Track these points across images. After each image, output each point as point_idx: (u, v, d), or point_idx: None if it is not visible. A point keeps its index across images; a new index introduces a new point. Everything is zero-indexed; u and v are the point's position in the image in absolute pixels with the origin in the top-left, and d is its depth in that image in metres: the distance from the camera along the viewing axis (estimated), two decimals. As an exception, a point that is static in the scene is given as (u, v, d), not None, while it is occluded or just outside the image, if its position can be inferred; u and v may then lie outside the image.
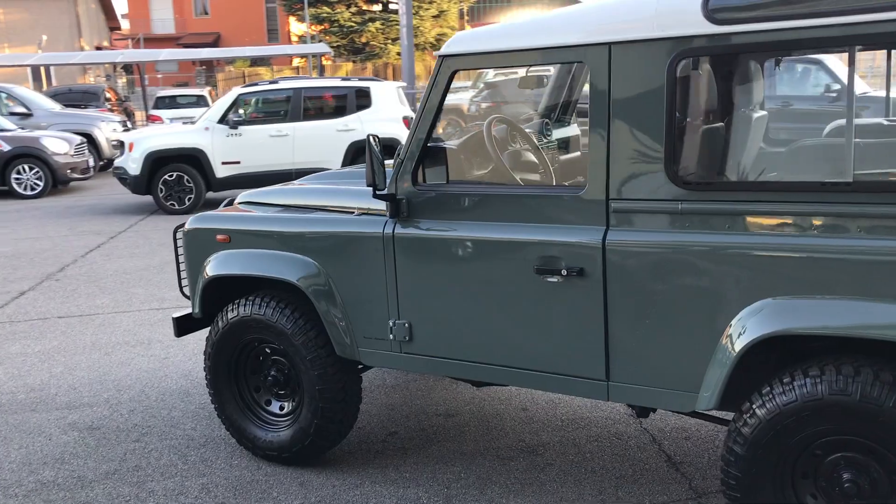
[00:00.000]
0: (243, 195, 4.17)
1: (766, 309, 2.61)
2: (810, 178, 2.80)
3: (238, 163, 11.17)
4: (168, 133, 11.54)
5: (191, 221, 3.94)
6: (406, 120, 11.51)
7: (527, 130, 4.06)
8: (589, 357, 2.99)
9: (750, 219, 2.66)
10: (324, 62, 36.57)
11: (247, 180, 11.28)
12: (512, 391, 4.52)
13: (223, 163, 11.13)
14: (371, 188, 3.23)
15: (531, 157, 3.91)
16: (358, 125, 11.30)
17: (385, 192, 3.27)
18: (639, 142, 2.82)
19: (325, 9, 39.35)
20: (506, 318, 3.13)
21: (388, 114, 11.45)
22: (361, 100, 11.44)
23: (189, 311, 4.09)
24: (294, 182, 4.29)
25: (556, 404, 4.35)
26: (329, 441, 3.68)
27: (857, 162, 2.81)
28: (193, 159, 11.10)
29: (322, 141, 11.28)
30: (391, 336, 3.41)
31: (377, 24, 40.58)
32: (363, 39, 41.00)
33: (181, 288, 4.22)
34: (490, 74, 20.95)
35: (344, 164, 11.32)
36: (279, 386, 3.79)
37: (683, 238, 2.75)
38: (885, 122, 3.91)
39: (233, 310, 3.74)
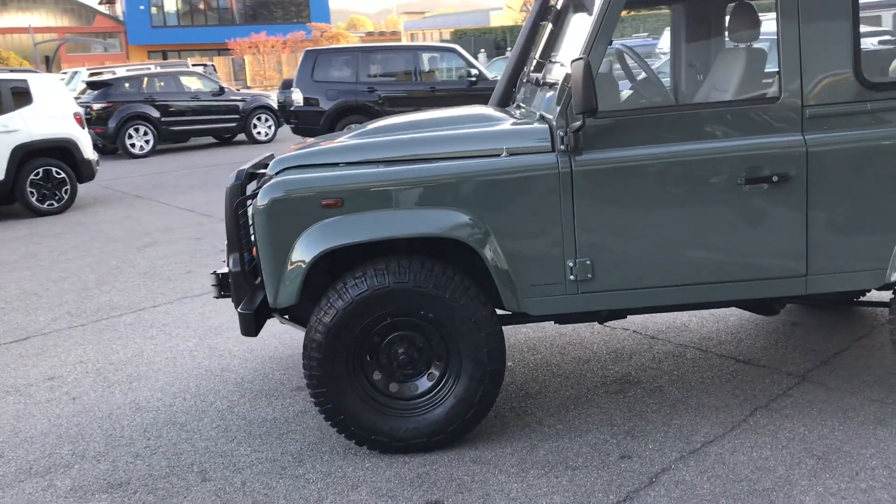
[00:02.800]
0: (282, 161, 3.47)
1: None
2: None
3: None
4: None
5: (270, 190, 3.20)
6: (78, 117, 9.97)
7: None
8: (790, 256, 3.25)
9: None
10: None
11: None
12: (534, 337, 4.49)
13: None
14: (576, 113, 3.04)
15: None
16: (21, 125, 9.46)
17: (577, 124, 3.11)
18: (829, 53, 3.15)
19: None
20: (706, 233, 3.23)
21: (56, 110, 9.78)
22: (19, 96, 9.58)
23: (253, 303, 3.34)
24: (341, 137, 3.68)
25: (579, 344, 4.44)
26: (489, 407, 3.34)
27: None
28: None
29: (-23, 146, 9.22)
30: (571, 277, 3.24)
31: None
32: None
33: (245, 276, 3.39)
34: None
35: (9, 172, 9.39)
36: (412, 365, 3.32)
37: (875, 132, 3.16)
38: None
39: (357, 284, 3.17)
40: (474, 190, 3.19)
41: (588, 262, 3.24)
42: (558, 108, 3.20)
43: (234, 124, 16.72)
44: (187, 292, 5.94)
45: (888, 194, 3.21)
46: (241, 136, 17.17)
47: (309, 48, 14.20)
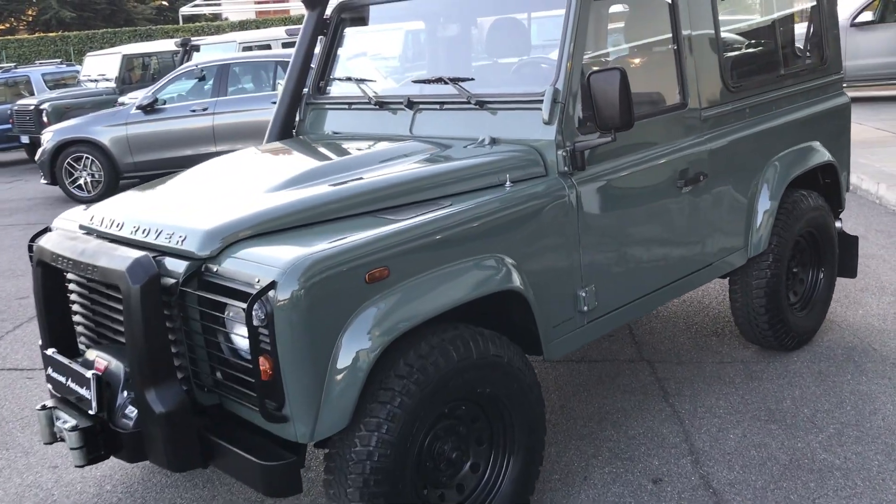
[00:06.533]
0: (215, 232, 2.44)
1: (787, 157, 3.83)
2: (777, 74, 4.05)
3: None
4: None
5: (292, 274, 2.23)
6: None
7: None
8: (707, 248, 3.58)
9: (755, 106, 3.79)
10: None
11: None
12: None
13: None
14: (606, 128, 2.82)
15: None
16: None
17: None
18: (707, 62, 3.53)
19: None
20: (668, 236, 3.37)
21: None
22: None
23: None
24: (302, 194, 2.65)
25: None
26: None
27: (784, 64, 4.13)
28: None
29: None
30: (584, 307, 3.01)
31: None
32: None
33: (272, 409, 2.25)
34: None
35: None
36: (461, 459, 2.70)
37: (734, 127, 3.67)
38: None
39: (420, 375, 2.43)
40: (509, 230, 2.77)
41: (593, 289, 3.04)
42: (554, 127, 2.89)
43: None
44: None
45: (744, 179, 3.72)
46: None
47: None
